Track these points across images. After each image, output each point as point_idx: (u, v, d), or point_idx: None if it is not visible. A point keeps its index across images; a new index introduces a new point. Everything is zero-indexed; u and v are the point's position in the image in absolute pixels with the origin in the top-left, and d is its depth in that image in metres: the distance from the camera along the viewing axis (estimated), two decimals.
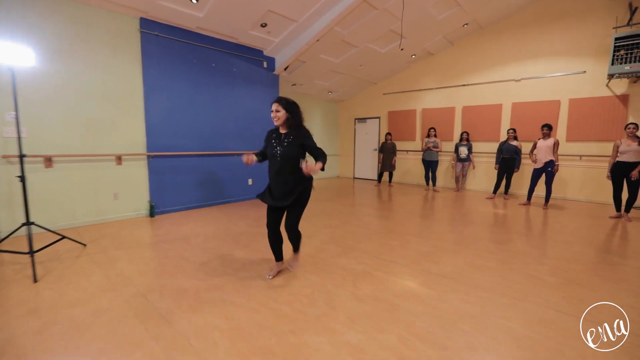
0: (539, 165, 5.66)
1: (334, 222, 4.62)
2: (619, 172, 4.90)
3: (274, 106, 2.44)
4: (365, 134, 9.73)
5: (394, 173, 8.66)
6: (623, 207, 5.01)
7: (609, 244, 3.78)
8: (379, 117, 9.37)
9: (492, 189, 7.38)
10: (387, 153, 8.13)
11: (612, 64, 5.22)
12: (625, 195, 4.96)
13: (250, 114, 6.12)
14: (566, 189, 6.44)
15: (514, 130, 6.31)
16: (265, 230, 3.92)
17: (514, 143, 6.31)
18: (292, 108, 2.46)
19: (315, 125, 9.59)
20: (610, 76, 5.38)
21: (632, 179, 4.76)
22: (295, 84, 8.01)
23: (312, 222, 4.57)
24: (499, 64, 7.12)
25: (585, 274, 2.91)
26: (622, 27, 5.43)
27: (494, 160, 7.28)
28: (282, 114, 2.43)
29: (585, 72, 6.11)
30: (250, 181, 6.25)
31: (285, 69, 6.45)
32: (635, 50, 5.03)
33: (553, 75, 6.47)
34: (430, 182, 7.73)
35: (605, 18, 5.79)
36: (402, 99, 8.76)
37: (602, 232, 4.32)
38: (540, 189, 6.27)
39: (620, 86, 5.81)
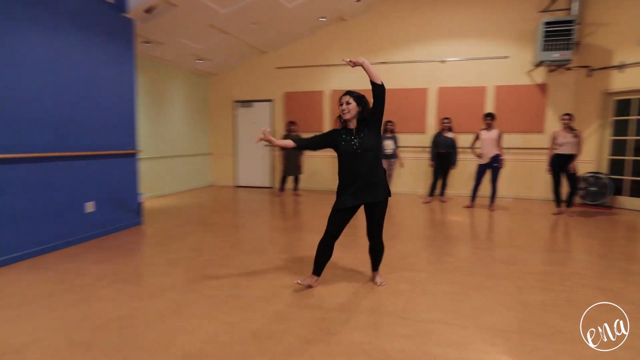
0: (484, 160, 6.16)
1: (287, 264, 3.59)
2: (557, 165, 5.78)
3: (346, 98, 2.74)
4: (252, 123, 8.75)
5: (300, 177, 8.02)
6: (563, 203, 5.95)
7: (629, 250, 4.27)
8: (271, 100, 8.56)
9: (420, 190, 7.77)
10: (291, 150, 7.41)
11: (543, 50, 6.14)
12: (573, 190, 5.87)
13: (85, 85, 4.24)
14: None
15: (449, 119, 6.73)
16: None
17: (450, 135, 6.73)
18: (363, 101, 2.76)
19: (172, 109, 7.93)
20: (541, 62, 6.34)
21: (570, 171, 5.69)
22: (149, 42, 6.28)
23: (246, 272, 3.41)
24: (422, 41, 7.52)
25: None
26: (544, 12, 6.51)
27: (420, 156, 7.68)
28: (353, 106, 2.72)
29: (508, 57, 7.09)
30: (90, 206, 4.35)
31: (147, 12, 4.82)
32: (563, 38, 6.07)
33: (478, 58, 7.27)
34: None
35: (529, 0, 6.84)
36: (304, 76, 8.26)
37: (593, 235, 4.93)
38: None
39: (540, 74, 7.00)
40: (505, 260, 3.78)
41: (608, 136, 6.60)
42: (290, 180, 7.78)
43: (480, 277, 3.32)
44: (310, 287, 3.00)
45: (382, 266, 3.34)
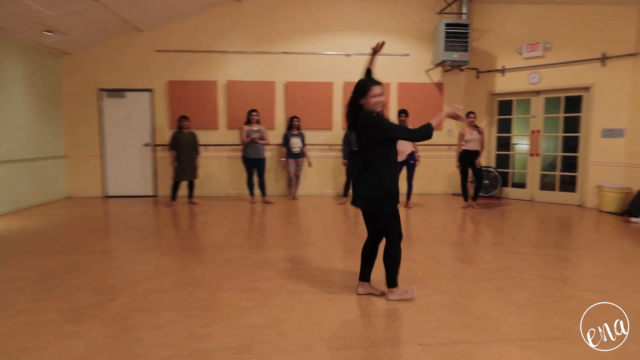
0: (401, 157, 6.33)
1: (242, 295, 2.91)
2: (466, 160, 6.32)
3: (379, 89, 2.58)
4: (126, 117, 7.36)
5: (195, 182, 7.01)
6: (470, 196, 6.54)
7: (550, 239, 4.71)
8: (150, 90, 7.33)
9: (328, 190, 7.66)
10: (185, 150, 6.49)
11: (446, 50, 6.63)
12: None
13: None
14: (400, 183, 7.71)
15: None
16: None
17: None
18: None
19: (8, 96, 6.13)
20: (443, 62, 6.84)
21: (477, 167, 6.28)
22: None
23: (194, 314, 2.65)
24: (325, 32, 7.40)
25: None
26: (443, 14, 7.06)
27: (327, 154, 7.57)
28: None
29: (409, 55, 7.49)
30: None
31: None
32: (460, 40, 6.65)
33: (381, 54, 7.44)
34: (257, 190, 6.91)
35: (425, 2, 7.32)
36: (193, 62, 7.31)
37: (511, 225, 5.39)
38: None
39: (436, 74, 7.58)
40: (462, 259, 3.86)
41: (495, 133, 7.53)
42: (183, 186, 6.75)
43: (457, 281, 3.26)
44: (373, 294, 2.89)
45: (353, 282, 2.97)
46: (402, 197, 6.61)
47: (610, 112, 6.26)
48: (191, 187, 6.76)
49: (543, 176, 7.20)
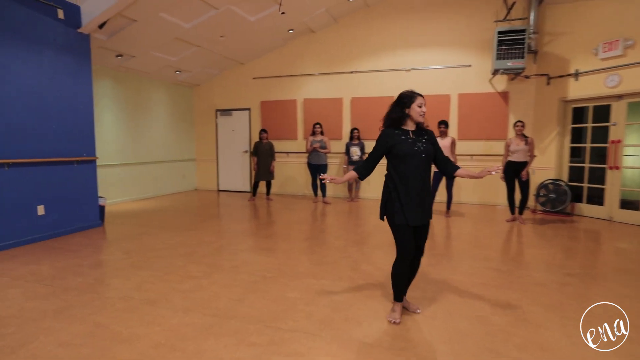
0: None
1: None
2: (512, 171, 5.66)
3: (422, 100, 2.56)
4: (232, 130, 8.93)
5: (273, 182, 8.09)
6: (517, 209, 5.81)
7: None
8: (248, 109, 8.73)
9: None
10: (263, 156, 7.56)
11: (497, 59, 6.04)
12: (519, 196, 5.75)
13: (36, 97, 4.47)
14: (460, 192, 7.23)
15: None
16: None
17: None
18: None
19: (160, 118, 8.20)
20: (497, 71, 6.24)
21: (523, 179, 5.56)
22: (121, 55, 6.54)
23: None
24: (387, 50, 7.54)
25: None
26: (502, 22, 6.41)
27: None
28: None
29: (470, 65, 7.01)
30: (41, 209, 4.56)
31: (100, 27, 5.04)
32: (516, 46, 5.96)
33: (441, 67, 7.21)
34: (320, 192, 7.54)
35: (487, 10, 6.77)
36: (279, 85, 8.39)
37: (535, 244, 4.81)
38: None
39: (501, 83, 6.88)
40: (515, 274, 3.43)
41: (567, 143, 6.41)
42: (262, 185, 7.90)
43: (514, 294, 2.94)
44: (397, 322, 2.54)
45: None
46: (441, 206, 6.40)
47: None
48: (268, 186, 7.85)
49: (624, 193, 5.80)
